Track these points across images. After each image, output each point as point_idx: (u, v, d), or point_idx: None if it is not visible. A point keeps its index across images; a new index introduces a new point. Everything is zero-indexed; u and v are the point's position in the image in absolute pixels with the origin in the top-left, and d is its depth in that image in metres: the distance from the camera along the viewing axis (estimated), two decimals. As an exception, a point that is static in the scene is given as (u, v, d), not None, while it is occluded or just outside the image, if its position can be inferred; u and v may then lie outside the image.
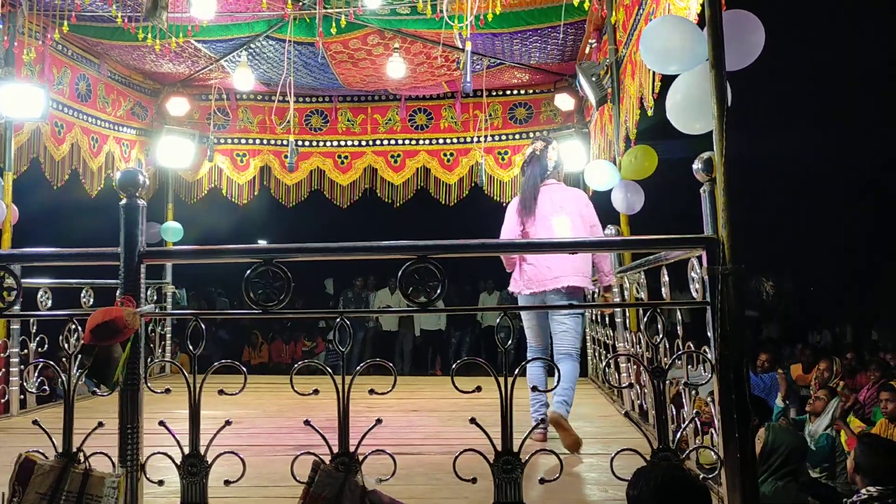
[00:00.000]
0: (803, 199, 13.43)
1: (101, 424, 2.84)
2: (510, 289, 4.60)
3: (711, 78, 2.83)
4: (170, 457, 2.83)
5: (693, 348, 3.08)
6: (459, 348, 12.54)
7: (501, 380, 2.80)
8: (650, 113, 4.42)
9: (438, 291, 2.83)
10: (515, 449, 2.77)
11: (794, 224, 13.56)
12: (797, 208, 13.54)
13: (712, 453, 2.93)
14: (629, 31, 5.02)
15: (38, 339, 5.41)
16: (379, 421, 2.78)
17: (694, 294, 2.99)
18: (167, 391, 2.91)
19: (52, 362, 3.15)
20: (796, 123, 13.04)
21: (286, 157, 8.01)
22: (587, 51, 6.43)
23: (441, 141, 8.56)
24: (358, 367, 2.92)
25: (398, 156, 8.61)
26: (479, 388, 2.86)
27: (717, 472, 2.84)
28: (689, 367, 3.55)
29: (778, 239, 12.92)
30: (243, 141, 8.61)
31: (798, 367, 8.77)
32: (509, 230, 4.55)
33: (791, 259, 13.32)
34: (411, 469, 3.46)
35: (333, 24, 5.80)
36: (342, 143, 8.64)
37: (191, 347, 2.84)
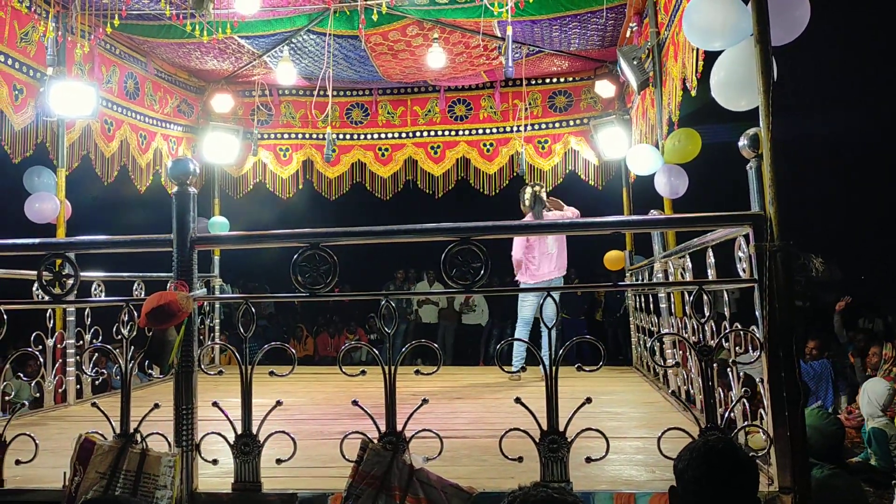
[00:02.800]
0: (853, 183, 13.05)
1: (157, 406, 2.93)
2: (518, 278, 6.67)
3: (756, 53, 2.80)
4: (223, 436, 2.92)
5: (740, 328, 3.03)
6: (501, 341, 12.56)
7: (546, 359, 2.83)
8: (693, 93, 4.37)
9: (482, 273, 2.85)
10: (561, 428, 2.79)
11: (843, 209, 13.20)
12: (846, 193, 13.17)
13: (762, 436, 2.90)
14: (671, 13, 4.96)
15: (92, 330, 5.58)
16: (425, 401, 2.82)
17: (741, 273, 2.96)
18: (220, 373, 3.00)
19: (108, 346, 3.25)
20: (846, 102, 12.69)
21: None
22: (628, 34, 6.37)
23: (481, 131, 8.57)
24: (403, 349, 2.97)
25: (438, 147, 8.64)
26: (524, 369, 2.89)
27: (766, 451, 2.81)
28: (738, 348, 3.50)
29: (826, 225, 12.59)
30: (286, 136, 8.73)
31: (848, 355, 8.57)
32: (519, 241, 6.48)
33: (841, 245, 12.98)
34: (457, 451, 3.49)
35: (375, 13, 5.84)
36: (383, 135, 8.70)
37: (241, 330, 2.91)
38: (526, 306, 6.58)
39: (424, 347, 3.01)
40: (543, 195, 6.71)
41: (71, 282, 3.15)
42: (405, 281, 13.01)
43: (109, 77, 6.80)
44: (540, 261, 6.55)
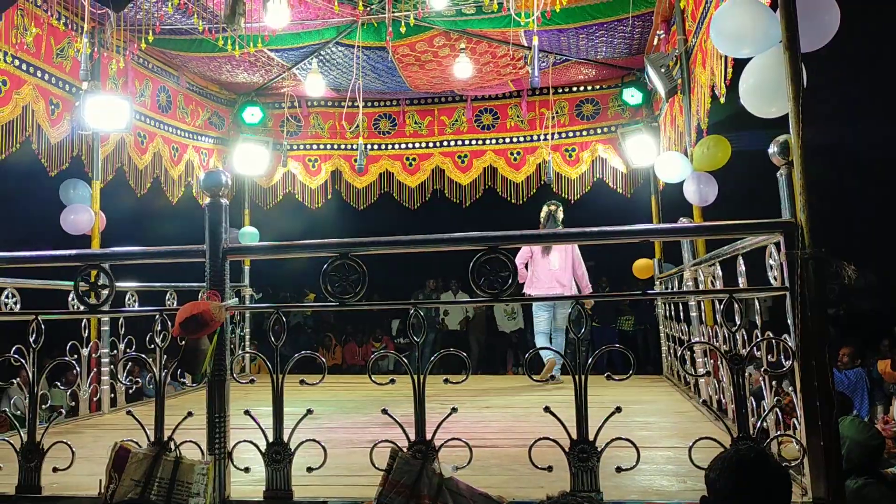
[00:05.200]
0: (889, 189, 12.82)
1: (190, 414, 2.98)
2: (525, 290, 6.74)
3: (785, 59, 2.78)
4: (255, 444, 2.95)
5: (772, 336, 2.99)
6: (527, 348, 12.52)
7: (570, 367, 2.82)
8: (722, 100, 4.34)
9: (510, 281, 2.86)
10: (591, 438, 2.78)
11: (878, 216, 12.96)
12: (881, 200, 12.94)
13: (795, 446, 2.86)
14: (699, 20, 4.94)
15: (126, 339, 5.67)
16: (454, 409, 2.82)
17: (772, 281, 2.93)
18: (252, 381, 3.03)
19: (142, 355, 3.30)
20: (880, 109, 12.48)
21: (356, 160, 8.16)
22: (655, 42, 6.34)
23: (508, 140, 8.58)
24: (433, 358, 2.98)
25: (465, 156, 8.67)
26: (553, 377, 2.88)
27: (799, 461, 2.77)
28: (770, 357, 3.46)
29: (861, 232, 12.38)
30: (315, 146, 8.82)
31: (886, 363, 8.38)
32: (521, 253, 6.60)
33: (877, 253, 12.75)
34: (486, 461, 3.48)
35: (403, 26, 5.90)
36: (410, 145, 8.76)
37: (272, 339, 2.94)
38: (540, 322, 6.80)
39: (452, 355, 3.02)
40: (560, 215, 6.90)
41: (106, 292, 3.21)
42: (436, 290, 13.04)
43: (142, 91, 6.94)
44: (540, 273, 6.70)
